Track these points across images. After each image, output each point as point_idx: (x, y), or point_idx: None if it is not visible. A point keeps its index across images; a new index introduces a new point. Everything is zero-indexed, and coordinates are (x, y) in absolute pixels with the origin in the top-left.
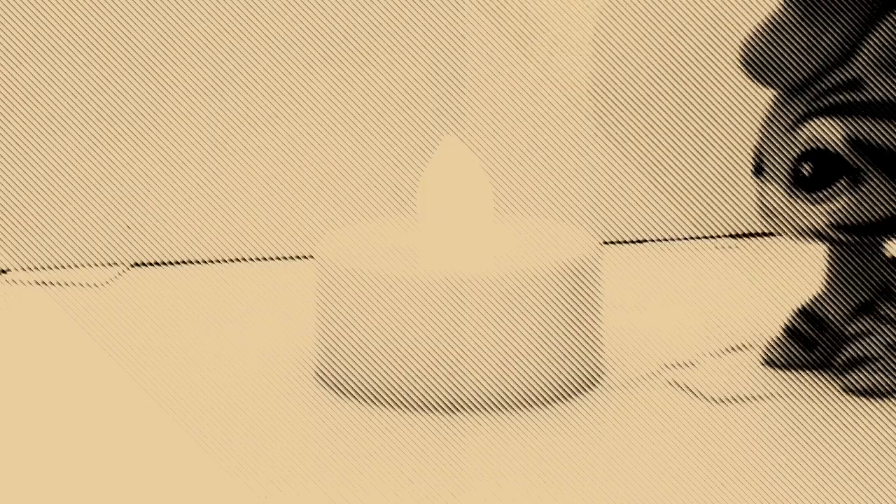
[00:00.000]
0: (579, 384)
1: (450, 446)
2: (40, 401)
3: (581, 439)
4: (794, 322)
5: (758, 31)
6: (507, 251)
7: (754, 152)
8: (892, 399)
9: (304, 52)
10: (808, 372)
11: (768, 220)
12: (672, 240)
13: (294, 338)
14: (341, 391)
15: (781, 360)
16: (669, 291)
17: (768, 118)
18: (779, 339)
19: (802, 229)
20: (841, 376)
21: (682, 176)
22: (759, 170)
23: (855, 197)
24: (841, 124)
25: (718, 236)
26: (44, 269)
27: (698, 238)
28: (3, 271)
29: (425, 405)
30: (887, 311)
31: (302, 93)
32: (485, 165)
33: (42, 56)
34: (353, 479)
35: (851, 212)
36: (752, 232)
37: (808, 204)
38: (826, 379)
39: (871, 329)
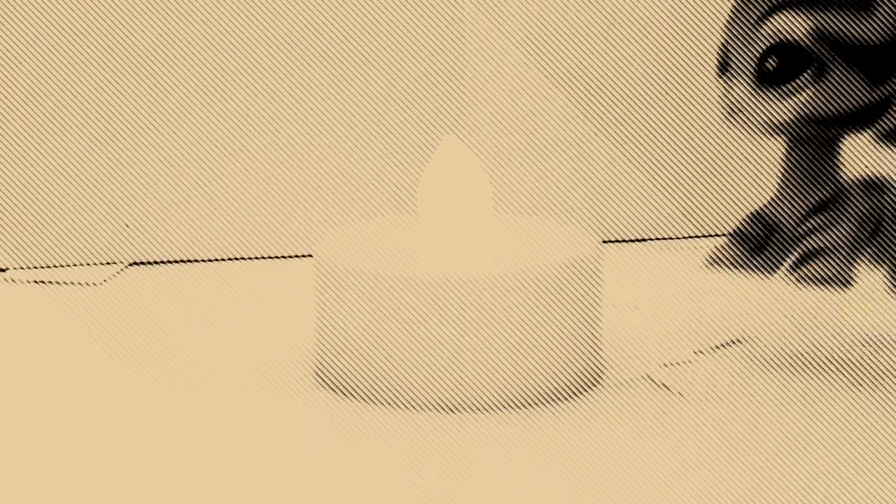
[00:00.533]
0: (579, 384)
1: (449, 446)
2: (39, 399)
3: (581, 439)
4: (743, 225)
5: None
6: (506, 251)
7: (719, 51)
8: (873, 361)
9: (304, 52)
10: (804, 371)
11: (732, 117)
12: (672, 238)
13: (294, 337)
14: (340, 391)
15: (728, 261)
16: (669, 290)
17: (733, 14)
18: (726, 241)
19: (768, 123)
20: (795, 270)
21: (682, 175)
22: (724, 68)
23: (820, 89)
24: (805, 16)
25: (719, 235)
26: (42, 267)
27: (699, 237)
28: (2, 270)
29: (425, 405)
30: (842, 209)
31: (302, 93)
32: (484, 165)
33: (42, 56)
34: (353, 478)
35: (816, 104)
36: None
37: (774, 98)
38: (826, 376)
39: (826, 223)
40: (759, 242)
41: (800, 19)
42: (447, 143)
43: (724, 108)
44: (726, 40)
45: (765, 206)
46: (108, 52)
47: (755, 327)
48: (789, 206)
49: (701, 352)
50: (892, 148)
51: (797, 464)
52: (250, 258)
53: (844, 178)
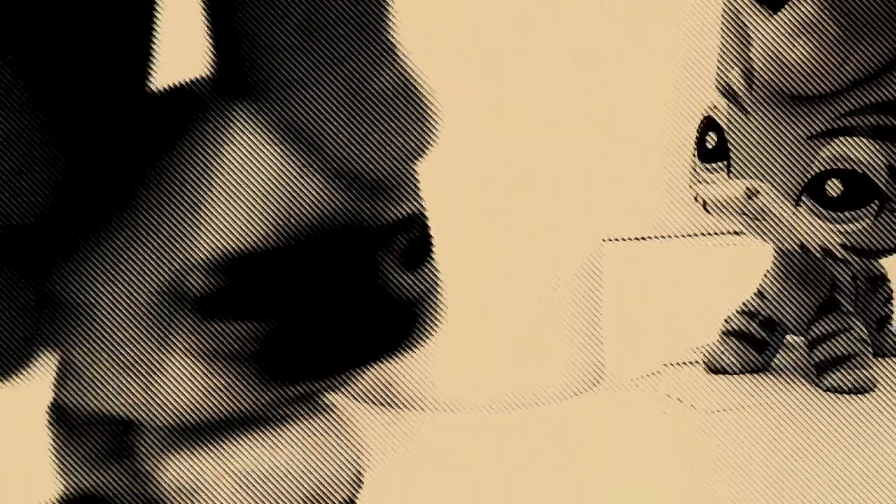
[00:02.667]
0: (581, 382)
1: (451, 444)
2: (39, 397)
3: (581, 438)
4: (740, 325)
5: (786, 33)
6: (506, 249)
7: (700, 138)
8: (874, 395)
9: None
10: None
11: (756, 224)
12: (675, 237)
13: None
14: (342, 392)
15: (733, 364)
16: (671, 288)
17: (771, 124)
18: (725, 344)
19: (810, 243)
20: (821, 378)
21: (684, 173)
22: (710, 158)
23: (876, 223)
24: (882, 149)
25: (722, 233)
26: None
27: (701, 235)
28: None
29: (425, 404)
30: (845, 304)
31: None
32: (483, 163)
33: None
34: None
35: (867, 237)
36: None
37: (825, 221)
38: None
39: (840, 328)
40: (760, 342)
41: (876, 151)
42: (446, 141)
43: (747, 210)
44: (760, 144)
45: (757, 304)
46: None
47: None
48: (794, 305)
49: (702, 350)
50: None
51: (790, 466)
52: None
53: (834, 266)
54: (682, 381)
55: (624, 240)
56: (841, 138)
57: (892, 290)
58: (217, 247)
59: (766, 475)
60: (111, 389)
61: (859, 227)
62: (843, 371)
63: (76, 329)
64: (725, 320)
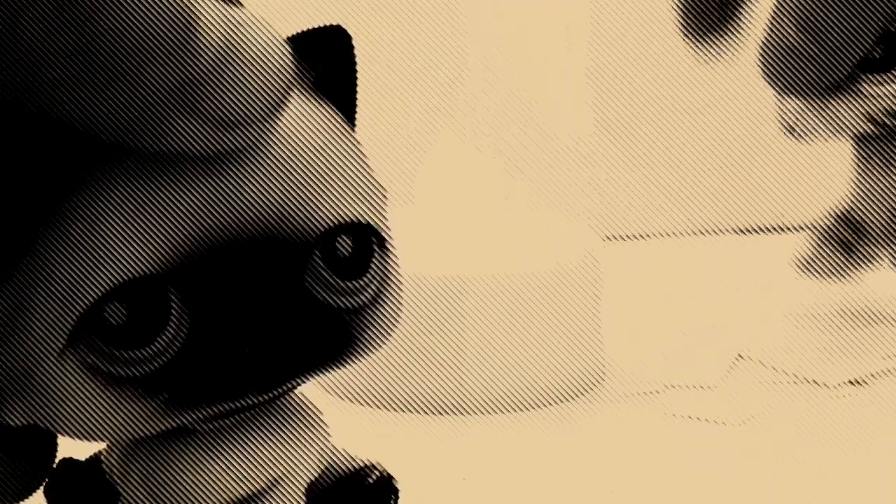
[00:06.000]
0: (580, 384)
1: (449, 449)
2: None
3: (581, 441)
4: (830, 228)
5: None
6: (506, 248)
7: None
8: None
9: None
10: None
11: (802, 124)
12: (676, 235)
13: None
14: (337, 394)
15: (822, 265)
16: (672, 288)
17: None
18: (815, 244)
19: (866, 114)
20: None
21: (685, 170)
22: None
23: None
24: None
25: (723, 232)
26: None
27: (703, 234)
28: None
29: (423, 408)
30: None
31: None
32: (483, 161)
33: None
34: None
35: None
36: (758, 227)
37: (872, 85)
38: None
39: None
40: (848, 244)
41: None
42: (445, 140)
43: (788, 117)
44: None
45: (848, 206)
46: None
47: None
48: (875, 205)
49: (704, 352)
50: None
51: (797, 464)
52: None
53: None
54: (684, 381)
55: (625, 238)
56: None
57: None
58: (115, 276)
59: (771, 477)
60: (26, 410)
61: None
62: None
63: None
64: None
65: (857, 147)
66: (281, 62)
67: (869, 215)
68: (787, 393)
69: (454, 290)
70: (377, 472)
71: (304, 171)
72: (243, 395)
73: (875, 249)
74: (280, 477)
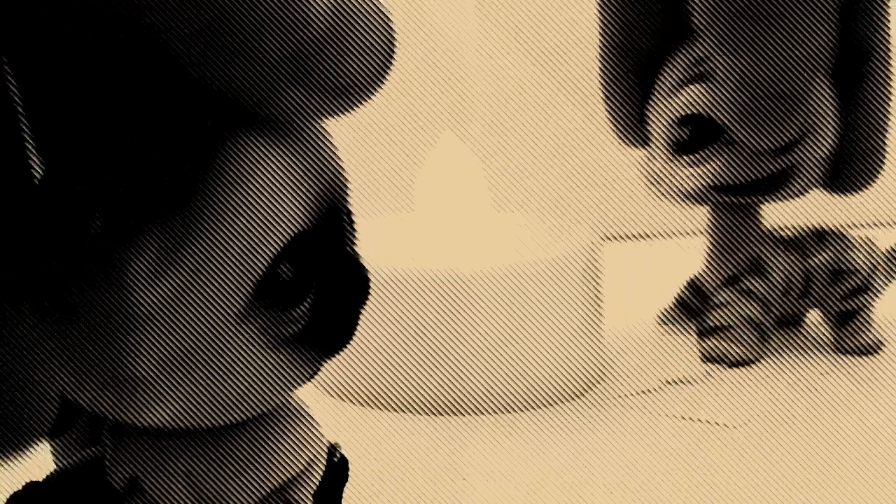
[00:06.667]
0: (580, 384)
1: (446, 449)
2: None
3: (580, 441)
4: (682, 292)
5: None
6: (504, 248)
7: (632, 119)
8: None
9: None
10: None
11: (652, 186)
12: (674, 235)
13: None
14: (338, 394)
15: (672, 324)
16: (671, 287)
17: (655, 87)
18: (670, 307)
19: (683, 192)
20: (699, 342)
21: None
22: (645, 138)
23: (729, 158)
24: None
25: None
26: None
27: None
28: None
29: (421, 408)
30: (750, 285)
31: None
32: (482, 162)
33: None
34: (352, 482)
35: (727, 173)
36: None
37: (687, 167)
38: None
39: (731, 300)
40: (695, 309)
41: (706, 92)
42: (444, 141)
43: (645, 175)
44: (648, 109)
45: (699, 273)
46: None
47: None
48: (711, 274)
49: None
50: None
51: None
52: None
53: (763, 247)
54: (684, 390)
55: (624, 238)
56: (686, 86)
57: (860, 285)
58: (286, 233)
59: (767, 478)
60: (185, 396)
61: (716, 165)
62: (716, 339)
63: (151, 340)
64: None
65: (709, 214)
66: (384, 31)
67: (708, 284)
68: (784, 396)
69: (453, 290)
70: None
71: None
72: (346, 343)
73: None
74: (313, 462)
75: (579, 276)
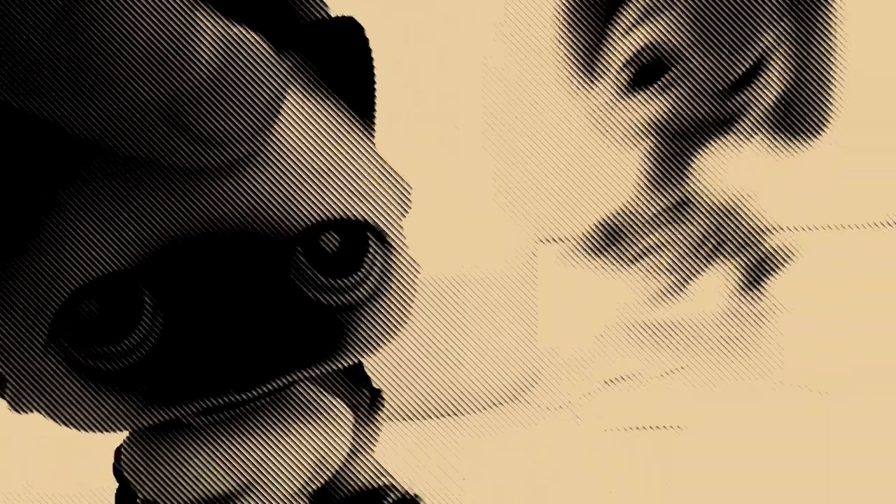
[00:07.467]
0: (514, 388)
1: (447, 450)
2: None
3: (517, 444)
4: (589, 231)
5: None
6: (444, 251)
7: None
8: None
9: None
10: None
11: (595, 124)
12: None
13: None
14: None
15: (574, 261)
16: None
17: (593, 19)
18: (575, 244)
19: (627, 129)
20: (628, 265)
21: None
22: (590, 73)
23: (678, 96)
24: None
25: None
26: None
27: None
28: None
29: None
30: (682, 226)
31: None
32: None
33: None
34: None
35: (674, 112)
36: None
37: (635, 106)
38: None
39: (665, 241)
40: (601, 246)
41: (659, 27)
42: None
43: (589, 114)
44: (601, 50)
45: (612, 214)
46: None
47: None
48: (636, 211)
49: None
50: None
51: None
52: None
53: (693, 191)
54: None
55: (561, 241)
56: (639, 25)
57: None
58: (86, 274)
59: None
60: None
61: (661, 103)
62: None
63: None
64: None
65: (643, 153)
66: (274, 84)
67: (629, 221)
68: (723, 400)
69: None
70: (397, 493)
71: (283, 169)
72: (222, 393)
73: (623, 257)
74: (257, 477)
75: (516, 278)
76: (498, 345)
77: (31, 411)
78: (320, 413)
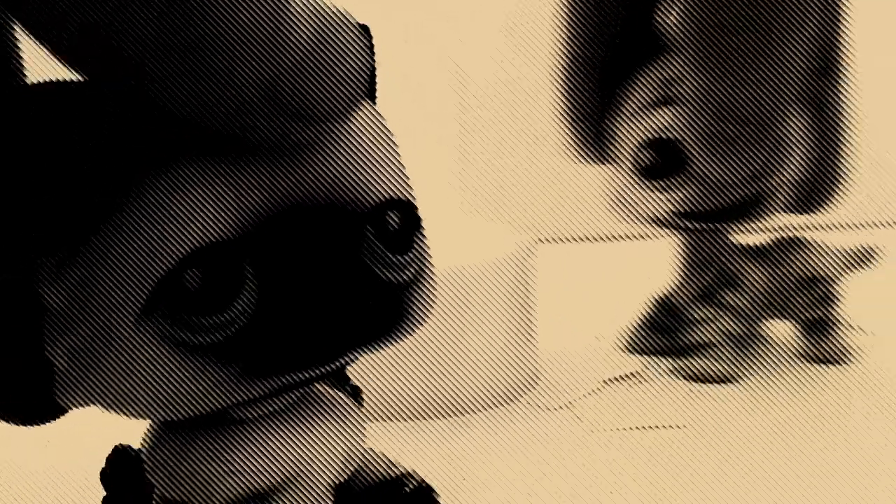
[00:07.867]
0: (513, 389)
1: (447, 450)
2: None
3: (517, 445)
4: (650, 310)
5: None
6: (437, 251)
7: (590, 136)
8: (744, 392)
9: None
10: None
11: (616, 208)
12: (612, 239)
13: None
14: None
15: (642, 347)
16: (607, 291)
17: (616, 105)
18: (637, 327)
19: (649, 217)
20: (677, 361)
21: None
22: (604, 156)
23: (698, 185)
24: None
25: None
26: None
27: (641, 238)
28: None
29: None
30: (727, 299)
31: None
32: (423, 166)
33: (35, 51)
34: None
35: (695, 201)
36: None
37: (654, 192)
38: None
39: (709, 316)
40: (665, 327)
41: (678, 116)
42: None
43: (608, 196)
44: (609, 128)
45: (668, 290)
46: None
47: None
48: (683, 290)
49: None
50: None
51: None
52: None
53: (733, 261)
54: (616, 397)
55: (559, 241)
56: (655, 109)
57: (829, 293)
58: (193, 242)
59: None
60: (91, 389)
61: (685, 193)
62: (698, 358)
63: (58, 332)
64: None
65: (679, 236)
66: (362, 59)
67: (679, 300)
68: (713, 401)
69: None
70: (415, 481)
71: (359, 151)
72: (310, 366)
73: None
74: (300, 472)
75: (511, 278)
76: (491, 347)
77: (77, 407)
78: (346, 410)
